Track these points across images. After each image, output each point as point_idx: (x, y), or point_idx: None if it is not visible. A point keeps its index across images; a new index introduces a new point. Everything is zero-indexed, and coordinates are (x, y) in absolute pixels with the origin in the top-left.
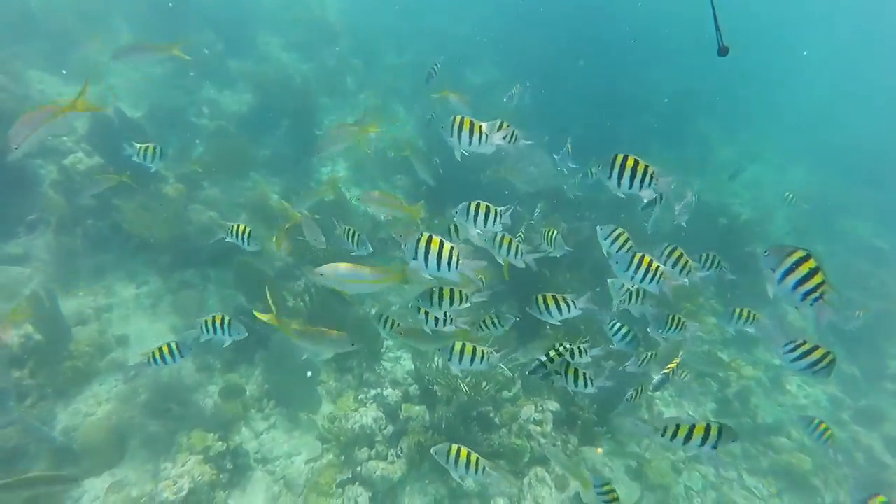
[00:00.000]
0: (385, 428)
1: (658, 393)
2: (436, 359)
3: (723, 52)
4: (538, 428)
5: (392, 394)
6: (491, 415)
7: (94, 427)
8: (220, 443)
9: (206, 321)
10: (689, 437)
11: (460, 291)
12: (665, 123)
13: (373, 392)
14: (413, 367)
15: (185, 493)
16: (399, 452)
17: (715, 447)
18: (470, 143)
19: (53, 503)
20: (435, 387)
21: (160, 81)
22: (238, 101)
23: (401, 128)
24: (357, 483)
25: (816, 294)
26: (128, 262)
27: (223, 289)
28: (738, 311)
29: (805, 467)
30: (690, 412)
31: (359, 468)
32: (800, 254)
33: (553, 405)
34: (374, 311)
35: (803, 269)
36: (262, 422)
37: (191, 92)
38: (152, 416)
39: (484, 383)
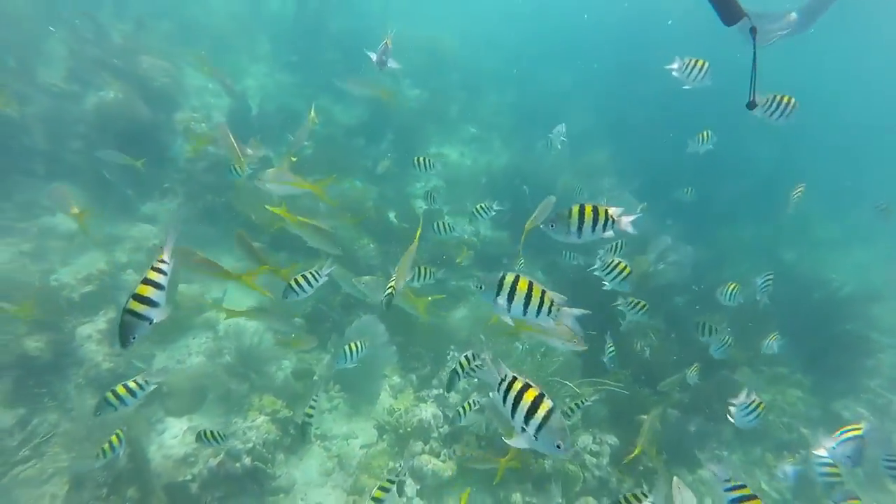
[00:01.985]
0: (441, 426)
1: (727, 454)
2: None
3: (751, 106)
4: (594, 459)
5: (453, 397)
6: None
7: (182, 374)
8: (287, 410)
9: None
10: None
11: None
12: (762, 192)
13: (434, 392)
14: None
15: (251, 444)
16: (451, 454)
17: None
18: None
19: (142, 429)
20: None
21: (287, 88)
22: (349, 115)
23: (495, 157)
24: (406, 474)
25: None
26: (231, 238)
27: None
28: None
29: None
30: (764, 485)
31: (412, 461)
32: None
33: (612, 439)
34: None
35: None
36: (325, 402)
37: (310, 100)
38: (231, 376)
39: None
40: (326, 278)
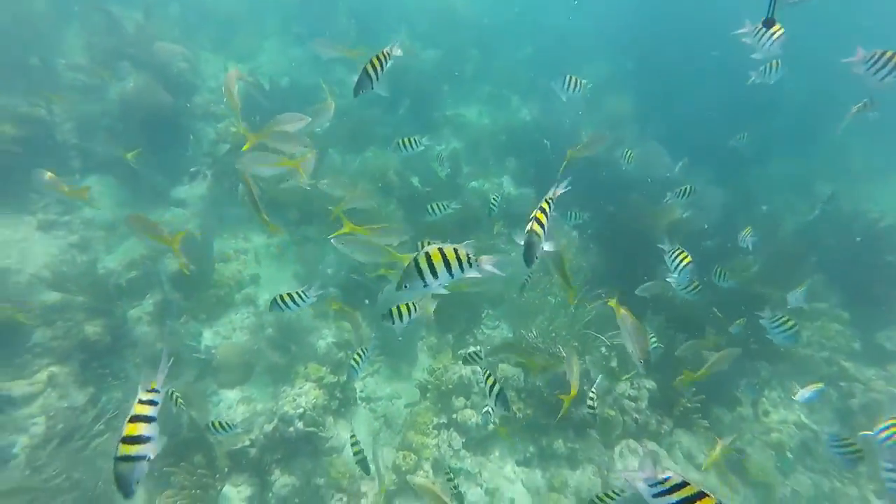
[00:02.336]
0: (482, 382)
1: (767, 392)
2: (533, 330)
3: (769, 24)
4: (632, 403)
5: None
6: (584, 387)
7: (229, 349)
8: (332, 376)
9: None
10: None
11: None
12: (796, 129)
13: (472, 350)
14: (512, 334)
15: (301, 409)
16: (493, 407)
17: None
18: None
19: (200, 401)
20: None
21: (299, 62)
22: None
23: (513, 114)
24: (452, 428)
25: None
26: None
27: None
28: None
29: None
30: (804, 417)
31: (454, 415)
32: None
33: (650, 383)
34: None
35: None
36: (367, 367)
37: (324, 73)
38: (274, 348)
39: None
40: (314, 300)
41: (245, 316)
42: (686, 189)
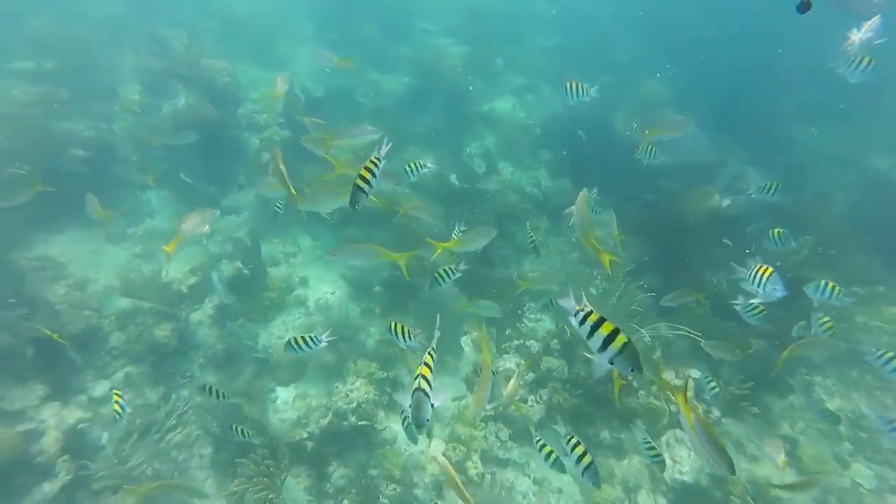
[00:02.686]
0: (526, 374)
1: (820, 379)
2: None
3: (804, 8)
4: None
5: (534, 345)
6: (629, 378)
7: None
8: (382, 371)
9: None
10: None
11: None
12: (841, 97)
13: (515, 343)
14: (554, 326)
15: (354, 404)
16: (538, 399)
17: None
18: None
19: (261, 398)
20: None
21: (333, 68)
22: (397, 83)
23: (549, 105)
24: (499, 420)
25: None
26: (308, 219)
27: (381, 244)
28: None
29: None
30: (863, 406)
31: (500, 408)
32: None
33: (695, 372)
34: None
35: None
36: (413, 362)
37: (358, 76)
38: (326, 347)
39: None
40: (325, 344)
41: (296, 317)
42: (771, 185)
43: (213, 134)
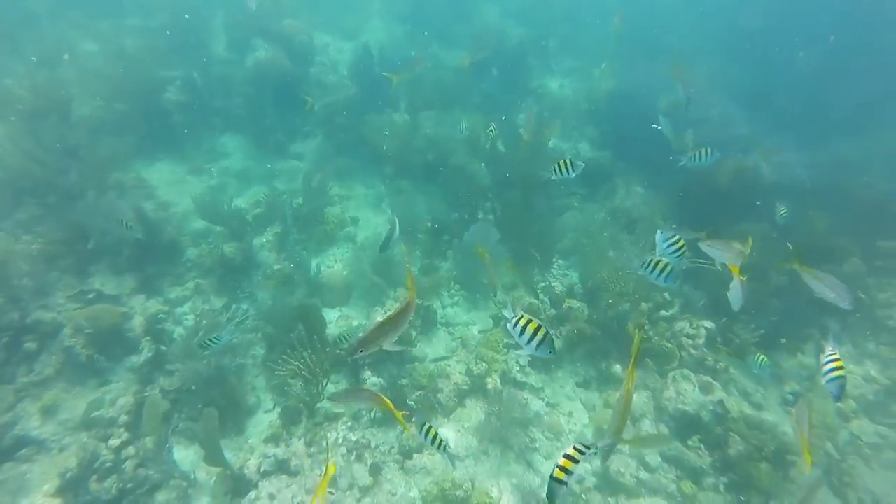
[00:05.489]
0: (549, 310)
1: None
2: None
3: None
4: (690, 341)
5: (559, 286)
6: (646, 326)
7: (333, 275)
8: (418, 299)
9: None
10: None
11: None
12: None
13: (542, 284)
14: (579, 279)
15: None
16: (559, 333)
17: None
18: None
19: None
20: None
21: (400, 38)
22: (457, 57)
23: (595, 87)
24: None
25: None
26: (362, 171)
27: (429, 197)
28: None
29: None
30: (873, 371)
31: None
32: None
33: (708, 324)
34: None
35: None
36: (448, 298)
37: (423, 48)
38: (373, 273)
39: (643, 304)
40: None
41: (346, 250)
42: (703, 151)
43: (287, 86)
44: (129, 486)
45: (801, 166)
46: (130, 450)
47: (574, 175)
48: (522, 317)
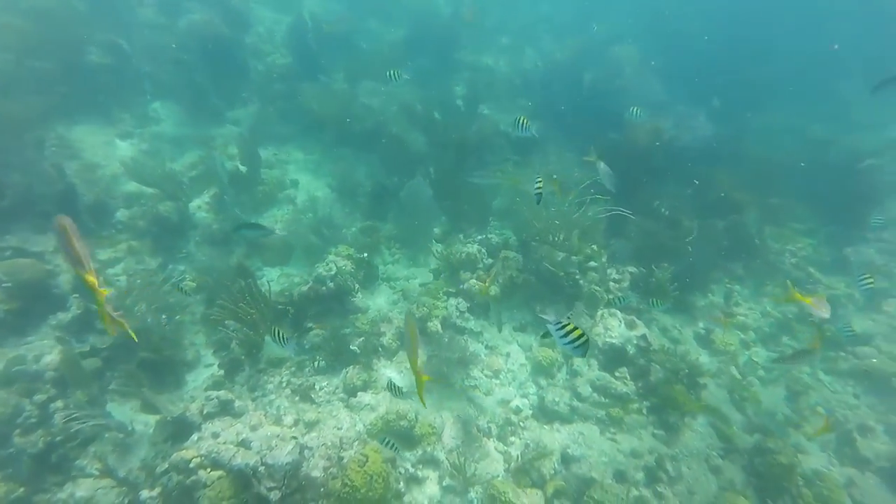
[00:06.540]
0: (486, 259)
1: (739, 288)
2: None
3: None
4: (615, 284)
5: (495, 238)
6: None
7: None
8: (359, 254)
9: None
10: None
11: None
12: (798, 78)
13: (479, 237)
14: (515, 236)
15: (333, 272)
16: (496, 281)
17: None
18: None
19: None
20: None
21: (336, 13)
22: (393, 33)
23: (527, 64)
24: (459, 296)
25: None
26: (302, 137)
27: (368, 165)
28: None
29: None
30: (769, 307)
31: (462, 285)
32: None
33: (632, 268)
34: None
35: None
36: (388, 256)
37: (359, 23)
38: (313, 233)
39: (574, 257)
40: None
41: (286, 212)
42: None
43: (222, 51)
44: (58, 438)
45: (709, 131)
46: (59, 403)
47: (533, 133)
48: (569, 323)
